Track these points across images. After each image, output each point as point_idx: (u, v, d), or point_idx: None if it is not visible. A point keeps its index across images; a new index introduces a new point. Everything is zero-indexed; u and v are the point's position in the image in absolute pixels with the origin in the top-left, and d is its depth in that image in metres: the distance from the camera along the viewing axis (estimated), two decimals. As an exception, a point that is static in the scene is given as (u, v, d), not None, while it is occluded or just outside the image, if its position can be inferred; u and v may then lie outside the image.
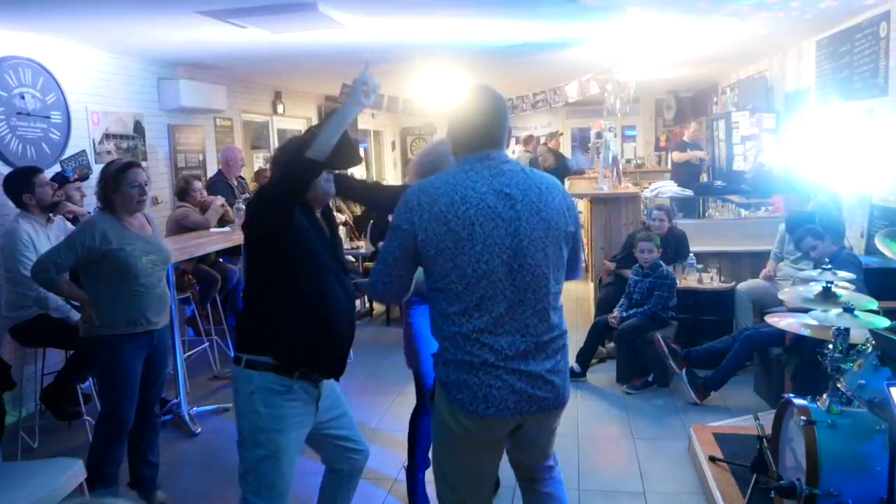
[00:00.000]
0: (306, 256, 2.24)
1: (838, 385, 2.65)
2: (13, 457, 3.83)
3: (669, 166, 9.94)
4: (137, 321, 3.10)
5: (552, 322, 1.99)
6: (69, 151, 5.15)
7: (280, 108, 8.71)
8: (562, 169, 8.72)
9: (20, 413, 4.10)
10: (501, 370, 1.92)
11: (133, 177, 3.11)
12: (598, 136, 7.30)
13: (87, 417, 4.04)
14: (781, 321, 3.32)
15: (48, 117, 4.98)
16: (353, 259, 6.89)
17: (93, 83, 5.45)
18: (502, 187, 1.94)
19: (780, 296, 3.32)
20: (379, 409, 4.50)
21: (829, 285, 2.88)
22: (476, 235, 1.89)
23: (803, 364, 3.79)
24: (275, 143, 8.85)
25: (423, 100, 8.00)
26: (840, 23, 5.52)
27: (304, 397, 2.30)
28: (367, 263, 6.92)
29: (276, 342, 2.25)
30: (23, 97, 4.74)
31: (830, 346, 2.76)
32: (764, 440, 3.03)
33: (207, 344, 5.43)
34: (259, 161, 8.46)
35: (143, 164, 6.00)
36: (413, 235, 1.94)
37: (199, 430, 4.26)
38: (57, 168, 4.94)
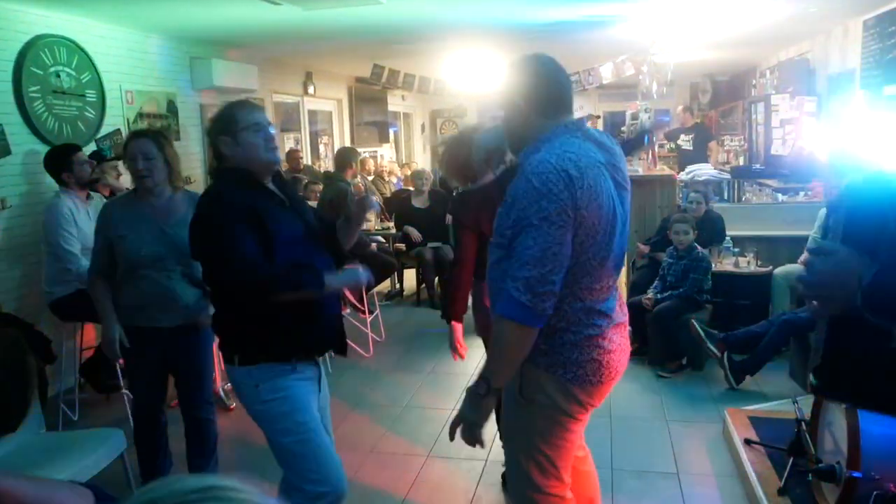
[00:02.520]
0: (270, 241, 2.12)
1: (883, 368, 2.58)
2: (55, 428, 3.91)
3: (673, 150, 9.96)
4: (136, 316, 2.84)
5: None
6: (104, 130, 5.22)
7: (311, 89, 8.72)
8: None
9: (60, 386, 4.18)
10: (611, 330, 1.95)
11: (132, 149, 2.76)
12: (634, 117, 7.18)
13: (125, 391, 4.11)
14: (822, 304, 3.25)
15: (83, 96, 5.04)
16: (384, 240, 6.90)
17: (127, 62, 5.50)
18: (608, 158, 1.88)
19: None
20: (411, 388, 4.52)
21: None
22: (608, 208, 1.80)
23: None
24: (306, 124, 8.88)
25: (455, 81, 7.96)
26: (888, 2, 5.34)
27: (308, 374, 2.29)
28: (397, 244, 6.93)
29: (263, 337, 2.18)
30: (58, 75, 4.80)
31: (875, 329, 2.68)
32: (802, 423, 2.98)
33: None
34: (290, 142, 8.49)
35: (176, 143, 6.06)
36: (577, 214, 1.73)
37: (234, 404, 4.31)
38: (93, 147, 5.01)
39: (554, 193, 1.71)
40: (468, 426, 1.88)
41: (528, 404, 1.96)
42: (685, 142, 9.10)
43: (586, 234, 1.77)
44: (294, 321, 2.18)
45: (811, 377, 2.43)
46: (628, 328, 2.07)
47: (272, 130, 2.23)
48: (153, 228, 2.77)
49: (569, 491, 2.11)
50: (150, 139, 2.78)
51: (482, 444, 1.92)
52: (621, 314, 2.02)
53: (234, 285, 2.13)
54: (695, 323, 4.43)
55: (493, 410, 1.93)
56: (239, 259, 2.08)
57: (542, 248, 1.71)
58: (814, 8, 5.49)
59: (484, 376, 1.83)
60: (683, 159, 8.59)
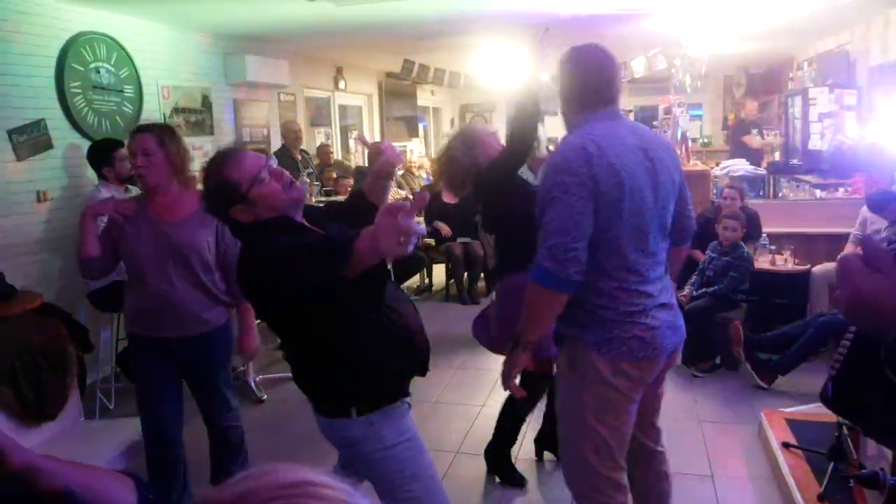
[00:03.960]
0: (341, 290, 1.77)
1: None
2: (92, 415, 4.00)
3: (727, 145, 9.61)
4: (141, 324, 2.69)
5: (664, 270, 2.12)
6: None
7: (341, 84, 8.75)
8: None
9: (97, 375, 4.26)
10: (654, 309, 2.02)
11: (133, 144, 2.63)
12: (667, 112, 7.08)
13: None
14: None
15: (122, 91, 5.11)
16: (414, 235, 6.88)
17: (163, 58, 5.57)
18: (641, 143, 1.99)
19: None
20: (440, 383, 4.52)
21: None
22: (635, 188, 1.93)
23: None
24: (336, 118, 8.91)
25: (485, 75, 7.93)
26: (933, -9, 5.20)
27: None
28: (426, 239, 6.93)
29: (378, 377, 1.91)
30: (98, 71, 4.88)
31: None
32: (843, 427, 2.91)
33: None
34: (321, 136, 8.53)
35: (210, 137, 6.13)
36: (595, 188, 1.88)
37: (266, 396, 4.35)
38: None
39: (573, 168, 1.88)
40: (502, 378, 2.11)
41: (580, 382, 2.06)
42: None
43: (608, 209, 1.89)
44: (404, 348, 1.96)
45: (826, 387, 2.41)
46: (679, 312, 2.16)
47: (274, 164, 1.94)
48: (154, 230, 2.60)
49: (625, 476, 2.13)
50: (153, 134, 2.60)
51: (517, 393, 2.19)
52: (668, 297, 2.10)
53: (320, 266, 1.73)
54: (739, 327, 4.31)
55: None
56: (309, 249, 1.76)
57: (564, 218, 1.87)
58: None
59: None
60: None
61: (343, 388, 1.91)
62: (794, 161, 7.06)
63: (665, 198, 2.03)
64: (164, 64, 5.59)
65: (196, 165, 5.79)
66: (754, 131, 8.57)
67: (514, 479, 3.28)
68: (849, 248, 4.88)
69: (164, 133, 2.64)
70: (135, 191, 4.35)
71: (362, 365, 1.89)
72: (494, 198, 2.94)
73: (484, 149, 2.95)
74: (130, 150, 2.63)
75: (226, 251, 2.72)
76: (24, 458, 0.95)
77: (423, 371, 2.04)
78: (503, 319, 2.85)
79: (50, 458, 1.02)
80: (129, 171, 4.21)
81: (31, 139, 4.33)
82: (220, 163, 1.88)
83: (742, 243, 4.65)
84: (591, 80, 2.04)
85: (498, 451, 3.30)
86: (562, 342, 2.14)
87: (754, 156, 7.98)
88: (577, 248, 1.87)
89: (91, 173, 4.39)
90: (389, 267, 5.57)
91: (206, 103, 6.11)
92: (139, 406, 2.78)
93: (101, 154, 4.19)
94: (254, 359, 2.97)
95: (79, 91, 4.70)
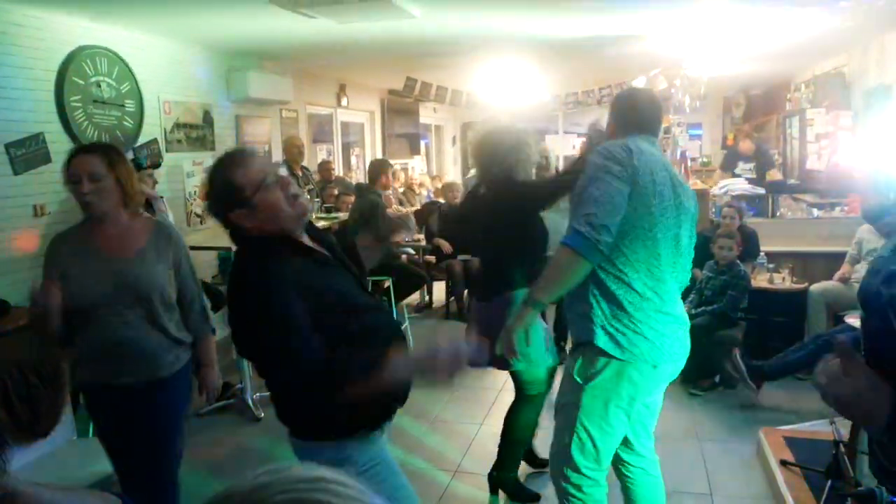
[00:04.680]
0: (335, 306, 1.78)
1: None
2: (85, 434, 3.96)
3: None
4: (92, 371, 2.33)
5: (679, 295, 2.31)
6: (141, 139, 5.32)
7: (344, 101, 8.81)
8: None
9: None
10: (665, 317, 2.16)
11: (76, 167, 2.26)
12: (666, 131, 7.12)
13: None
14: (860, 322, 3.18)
15: (122, 105, 5.14)
16: (414, 251, 6.91)
17: (165, 73, 5.61)
18: (671, 171, 2.21)
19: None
20: (438, 401, 4.50)
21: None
22: (665, 196, 2.12)
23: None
24: (338, 135, 8.96)
25: (487, 93, 7.98)
26: (928, 15, 5.25)
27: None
28: (427, 256, 6.94)
29: (363, 402, 1.79)
30: (99, 85, 4.91)
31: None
32: (840, 445, 2.90)
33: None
34: (322, 153, 8.57)
35: (211, 153, 6.15)
36: (633, 180, 2.07)
37: (263, 415, 4.34)
38: (130, 156, 5.10)
39: (616, 157, 2.09)
40: (506, 331, 2.19)
41: (583, 382, 2.20)
42: (746, 171, 7.70)
43: (640, 201, 2.07)
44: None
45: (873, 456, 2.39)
46: (686, 327, 2.28)
47: (283, 171, 1.95)
48: (103, 265, 2.28)
49: (605, 479, 2.30)
50: (99, 155, 2.27)
51: (514, 354, 2.22)
52: (679, 310, 2.26)
53: (297, 378, 1.74)
54: (737, 357, 4.32)
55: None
56: (303, 347, 1.70)
57: (602, 192, 2.04)
58: (850, 22, 5.40)
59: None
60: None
61: (318, 413, 1.81)
62: (792, 180, 7.09)
63: (685, 218, 2.21)
64: (166, 79, 5.62)
65: (196, 181, 5.89)
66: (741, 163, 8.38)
67: (523, 497, 3.23)
68: (844, 269, 4.89)
69: (111, 153, 2.31)
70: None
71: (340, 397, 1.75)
72: (515, 216, 2.93)
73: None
74: (72, 175, 2.25)
75: (183, 283, 2.45)
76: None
77: (401, 402, 1.94)
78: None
79: (31, 483, 1.02)
80: None
81: (29, 153, 4.35)
82: (227, 163, 1.81)
83: (738, 261, 4.67)
84: (642, 113, 2.29)
85: (503, 471, 3.25)
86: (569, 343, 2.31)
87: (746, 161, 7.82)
88: (610, 223, 2.03)
89: (91, 187, 4.40)
90: (389, 285, 5.59)
91: (208, 119, 6.15)
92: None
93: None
94: (215, 396, 2.71)
95: (79, 105, 4.72)
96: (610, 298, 2.13)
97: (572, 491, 2.29)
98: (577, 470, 2.25)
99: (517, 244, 2.90)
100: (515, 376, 3.09)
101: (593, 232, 2.02)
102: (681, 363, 2.29)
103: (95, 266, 2.28)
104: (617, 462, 2.45)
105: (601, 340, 2.14)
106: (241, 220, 1.78)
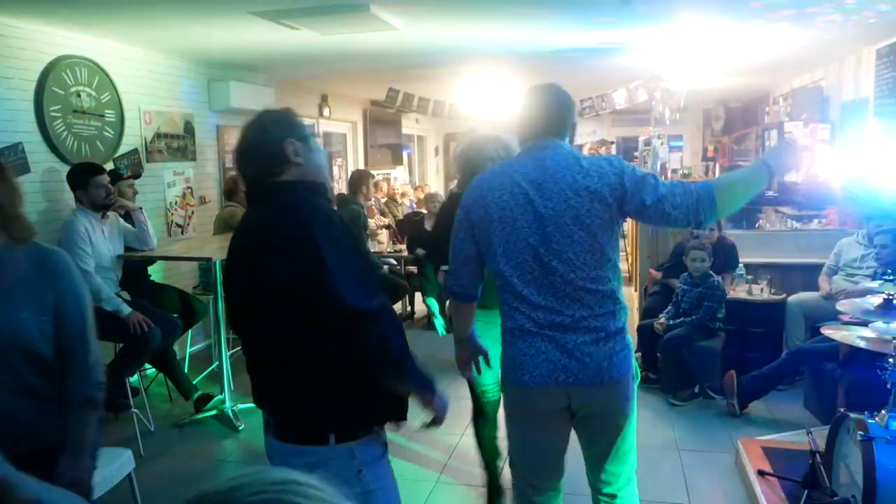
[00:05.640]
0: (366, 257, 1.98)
1: (899, 400, 2.55)
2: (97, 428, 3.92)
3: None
4: None
5: (586, 304, 2.01)
6: (122, 149, 5.29)
7: (326, 111, 8.81)
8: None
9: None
10: (537, 336, 2.04)
11: None
12: (647, 143, 7.20)
13: (135, 410, 4.12)
14: (837, 333, 3.24)
15: (103, 115, 5.11)
16: (395, 262, 6.91)
17: (146, 83, 5.58)
18: (537, 175, 2.04)
19: (839, 307, 3.22)
20: (420, 412, 4.48)
21: (891, 297, 2.78)
22: (506, 219, 2.04)
23: (858, 379, 3.66)
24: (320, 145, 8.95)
25: (469, 105, 8.02)
26: (901, 30, 5.36)
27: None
28: (409, 267, 6.94)
29: (360, 395, 1.73)
30: (79, 95, 4.88)
31: (891, 360, 2.66)
32: (817, 455, 2.93)
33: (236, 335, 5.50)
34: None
35: (192, 163, 6.13)
36: (469, 218, 2.12)
37: (243, 426, 4.30)
38: (110, 166, 5.07)
39: (462, 203, 2.17)
40: (461, 371, 2.50)
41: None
42: None
43: (483, 238, 2.10)
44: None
45: None
46: (590, 351, 2.02)
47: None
48: None
49: (538, 498, 2.25)
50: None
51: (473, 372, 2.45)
52: (569, 336, 2.01)
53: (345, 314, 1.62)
54: (733, 377, 4.34)
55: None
56: (359, 292, 1.65)
57: (452, 242, 2.19)
58: (828, 36, 5.50)
59: (454, 330, 2.43)
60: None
61: (317, 407, 1.70)
62: (770, 193, 7.16)
63: (557, 232, 1.99)
64: (147, 89, 5.60)
65: (177, 191, 5.86)
66: None
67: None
68: (822, 281, 4.95)
69: None
70: (113, 217, 4.34)
71: (356, 380, 1.70)
72: None
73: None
74: None
75: (67, 332, 1.92)
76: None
77: (403, 414, 1.87)
78: None
79: (21, 473, 1.03)
80: (104, 198, 4.19)
81: (7, 163, 4.31)
82: (283, 109, 1.90)
83: (711, 272, 4.72)
84: (531, 113, 2.15)
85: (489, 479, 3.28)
86: None
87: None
88: (458, 271, 2.18)
89: (69, 197, 4.35)
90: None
91: (189, 129, 6.12)
92: None
93: (79, 177, 4.17)
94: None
95: (58, 115, 4.69)
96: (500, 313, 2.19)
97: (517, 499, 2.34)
98: (515, 479, 2.34)
99: None
100: (469, 383, 3.12)
101: (451, 280, 2.22)
102: (574, 385, 2.03)
103: None
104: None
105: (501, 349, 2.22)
106: (292, 152, 1.76)
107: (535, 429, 2.18)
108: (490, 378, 2.97)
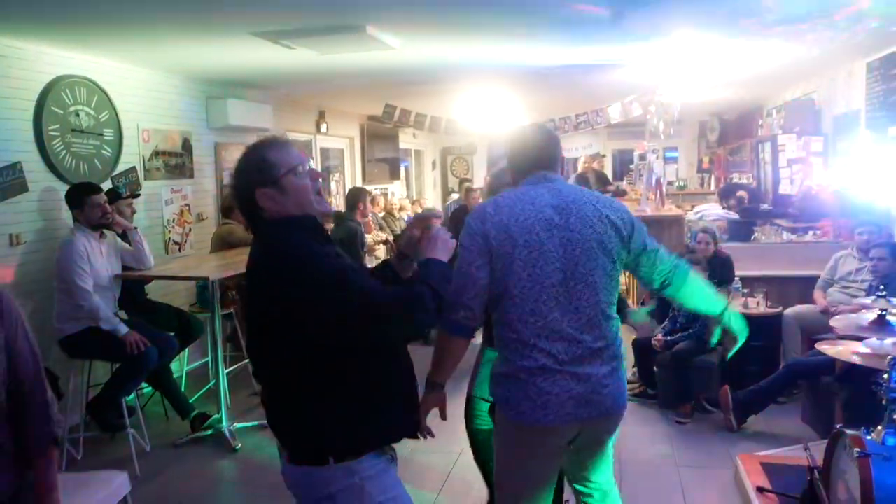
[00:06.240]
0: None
1: (894, 416, 2.56)
2: (58, 467, 3.88)
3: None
4: None
5: (603, 331, 2.06)
6: (120, 168, 5.30)
7: (323, 127, 8.85)
8: (604, 190, 8.66)
9: (65, 424, 4.18)
10: (559, 374, 2.00)
11: None
12: (642, 157, 7.24)
13: (131, 430, 4.11)
14: (832, 349, 3.24)
15: (101, 134, 5.13)
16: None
17: (144, 101, 5.61)
18: (559, 202, 2.08)
19: (833, 323, 3.24)
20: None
21: (884, 313, 2.79)
22: (532, 243, 2.02)
23: (855, 393, 3.67)
24: (318, 161, 8.98)
25: (466, 120, 8.06)
26: (891, 45, 5.40)
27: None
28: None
29: (367, 416, 1.77)
30: (78, 115, 4.90)
31: (885, 376, 2.67)
32: (815, 471, 2.93)
33: (249, 360, 5.49)
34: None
35: (190, 180, 6.15)
36: (487, 244, 2.03)
37: (240, 445, 4.29)
38: (109, 184, 5.08)
39: (470, 227, 2.08)
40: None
41: (496, 435, 2.24)
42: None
43: (502, 262, 2.01)
44: (399, 386, 1.88)
45: None
46: (607, 384, 2.06)
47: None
48: None
49: None
50: None
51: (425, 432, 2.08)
52: (587, 367, 2.02)
53: (366, 320, 1.69)
54: (728, 392, 4.35)
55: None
56: (359, 288, 1.69)
57: (457, 269, 2.04)
58: (820, 51, 5.55)
59: (429, 374, 2.16)
60: None
61: (318, 428, 1.75)
62: (765, 206, 7.21)
63: (584, 255, 2.03)
64: (145, 107, 5.62)
65: (175, 208, 5.87)
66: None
67: None
68: (817, 295, 4.97)
69: None
70: (111, 237, 4.35)
71: (357, 403, 1.76)
72: None
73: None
74: None
75: (16, 371, 1.80)
76: None
77: (414, 432, 1.94)
78: None
79: None
80: (100, 218, 4.19)
81: (6, 182, 4.33)
82: (265, 144, 1.84)
83: None
84: (529, 152, 2.23)
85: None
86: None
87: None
88: (464, 297, 2.02)
89: (67, 216, 4.36)
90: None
91: (187, 146, 6.14)
92: None
93: (76, 196, 4.18)
94: None
95: (57, 134, 4.71)
96: (501, 348, 2.11)
97: None
98: None
99: None
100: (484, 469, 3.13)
101: (459, 314, 2.03)
102: (594, 420, 2.07)
103: None
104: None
105: (498, 390, 2.13)
106: (265, 199, 1.78)
107: (539, 464, 2.15)
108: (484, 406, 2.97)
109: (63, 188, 4.49)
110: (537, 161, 2.19)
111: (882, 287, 3.19)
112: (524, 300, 2.01)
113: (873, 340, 2.78)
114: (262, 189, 1.77)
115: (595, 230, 2.06)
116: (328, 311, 1.66)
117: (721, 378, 4.61)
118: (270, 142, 1.85)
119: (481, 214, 2.10)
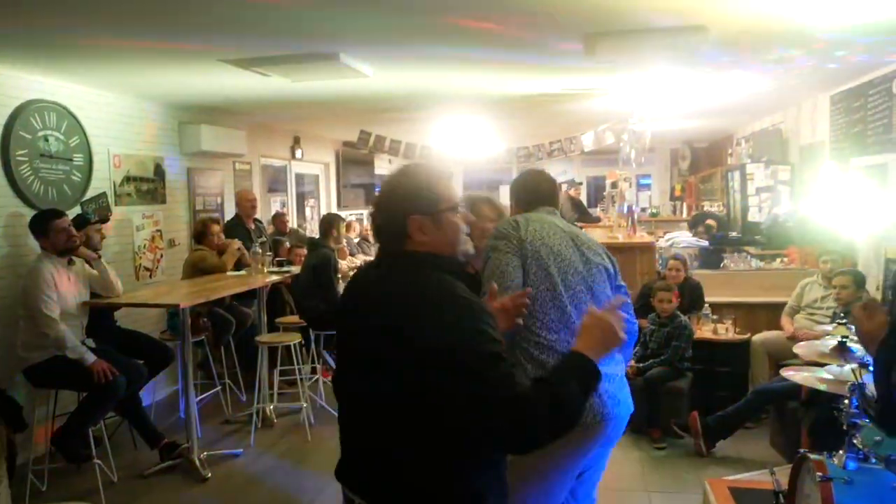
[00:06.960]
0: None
1: (854, 441, 2.60)
2: (21, 500, 3.80)
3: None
4: None
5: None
6: (90, 193, 5.26)
7: (298, 153, 8.86)
8: (581, 218, 8.76)
9: (30, 455, 4.09)
10: None
11: None
12: (614, 185, 7.33)
13: (97, 461, 4.03)
14: (797, 375, 3.30)
15: (71, 160, 5.09)
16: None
17: (115, 127, 5.58)
18: (570, 230, 2.39)
19: (796, 349, 3.30)
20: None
21: (844, 340, 2.85)
22: (562, 255, 2.26)
23: (820, 418, 3.73)
24: (292, 186, 8.98)
25: (441, 146, 8.12)
26: (853, 79, 5.58)
27: None
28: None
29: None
30: (47, 139, 4.86)
31: (846, 402, 2.72)
32: (780, 495, 2.96)
33: (220, 387, 5.43)
34: (276, 204, 8.56)
35: (162, 206, 6.11)
36: (522, 249, 2.23)
37: (210, 474, 4.23)
38: (77, 210, 5.04)
39: (502, 233, 2.29)
40: None
41: None
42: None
43: (536, 264, 2.21)
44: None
45: None
46: (624, 384, 2.34)
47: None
48: None
49: None
50: None
51: None
52: (612, 367, 2.23)
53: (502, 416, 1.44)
54: (698, 418, 4.40)
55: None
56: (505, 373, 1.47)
57: (492, 268, 2.22)
58: (784, 83, 5.71)
59: None
60: None
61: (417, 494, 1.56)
62: (734, 233, 7.34)
63: (597, 273, 2.31)
64: (117, 132, 5.59)
65: (146, 234, 5.83)
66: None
67: None
68: (784, 321, 5.06)
69: None
70: (79, 263, 4.30)
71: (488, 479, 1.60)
72: None
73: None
74: None
75: None
76: None
77: None
78: None
79: None
80: (65, 243, 4.14)
81: None
82: (435, 171, 1.72)
83: (678, 312, 4.79)
84: (537, 190, 2.54)
85: None
86: None
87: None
88: (507, 291, 2.11)
89: (34, 242, 4.29)
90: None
91: (159, 172, 6.11)
92: None
93: (39, 223, 4.13)
94: None
95: (25, 159, 4.66)
96: (536, 364, 2.11)
97: None
98: None
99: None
100: None
101: None
102: (621, 419, 2.27)
103: None
104: None
105: None
106: (417, 227, 1.62)
107: (573, 462, 2.24)
108: None
109: (30, 213, 4.43)
110: (545, 199, 2.51)
111: (843, 315, 3.26)
112: (562, 304, 2.18)
113: (834, 367, 2.83)
114: (416, 217, 1.63)
115: (602, 257, 2.37)
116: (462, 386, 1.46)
117: (691, 403, 4.65)
118: (439, 171, 1.73)
119: (513, 223, 2.32)
